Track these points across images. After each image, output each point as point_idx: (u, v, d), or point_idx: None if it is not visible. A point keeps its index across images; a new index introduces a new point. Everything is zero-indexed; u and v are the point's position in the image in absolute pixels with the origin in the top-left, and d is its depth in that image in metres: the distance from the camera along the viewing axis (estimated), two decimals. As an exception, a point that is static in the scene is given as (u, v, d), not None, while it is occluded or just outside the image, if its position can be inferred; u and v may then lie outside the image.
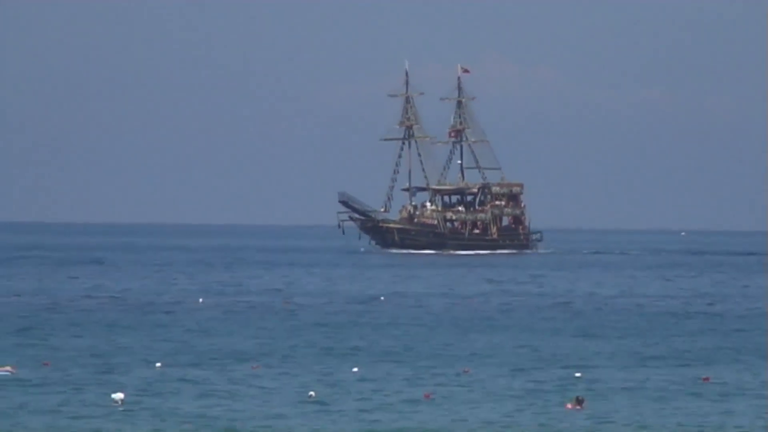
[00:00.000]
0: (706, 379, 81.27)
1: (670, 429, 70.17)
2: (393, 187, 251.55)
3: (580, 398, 71.95)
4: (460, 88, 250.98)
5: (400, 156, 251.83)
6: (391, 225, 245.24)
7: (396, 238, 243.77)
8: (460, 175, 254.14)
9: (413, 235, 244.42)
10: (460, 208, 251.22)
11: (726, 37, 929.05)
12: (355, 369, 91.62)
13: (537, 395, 76.26)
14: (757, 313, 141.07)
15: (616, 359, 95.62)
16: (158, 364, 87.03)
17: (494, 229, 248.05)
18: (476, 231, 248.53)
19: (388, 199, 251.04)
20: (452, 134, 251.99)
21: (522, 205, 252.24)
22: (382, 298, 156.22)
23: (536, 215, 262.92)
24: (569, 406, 70.53)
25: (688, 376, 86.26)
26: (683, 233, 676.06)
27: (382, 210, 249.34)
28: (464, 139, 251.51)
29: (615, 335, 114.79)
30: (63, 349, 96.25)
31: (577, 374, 78.78)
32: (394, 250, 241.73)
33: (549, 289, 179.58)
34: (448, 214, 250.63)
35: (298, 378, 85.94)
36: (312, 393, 75.78)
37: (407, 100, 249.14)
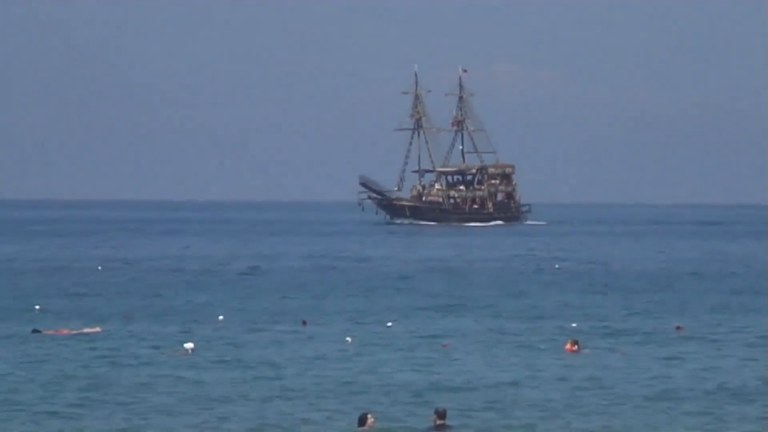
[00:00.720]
0: (679, 327, 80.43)
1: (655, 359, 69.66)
2: (404, 170, 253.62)
3: (576, 341, 70.84)
4: (461, 86, 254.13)
5: (410, 143, 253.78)
6: (404, 202, 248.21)
7: (407, 213, 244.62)
8: (461, 158, 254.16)
9: (422, 210, 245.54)
10: (461, 187, 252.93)
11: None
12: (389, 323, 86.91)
13: (536, 340, 74.86)
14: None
15: (604, 309, 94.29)
16: (221, 317, 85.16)
17: (490, 204, 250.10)
18: (475, 206, 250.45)
19: (401, 180, 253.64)
20: (454, 124, 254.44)
21: (513, 183, 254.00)
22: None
23: (528, 192, 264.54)
24: (568, 347, 69.44)
25: (664, 326, 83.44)
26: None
27: (396, 189, 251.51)
28: (464, 128, 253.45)
29: (598, 291, 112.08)
30: (148, 307, 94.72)
31: (573, 324, 77.55)
32: (407, 222, 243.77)
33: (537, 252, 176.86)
34: (451, 192, 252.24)
35: (344, 330, 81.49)
36: (349, 339, 73.66)
37: (416, 97, 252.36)
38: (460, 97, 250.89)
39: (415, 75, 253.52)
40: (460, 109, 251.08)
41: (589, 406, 53.29)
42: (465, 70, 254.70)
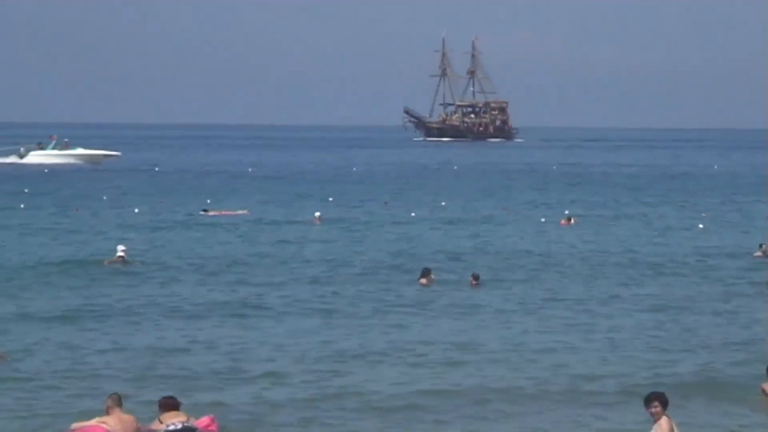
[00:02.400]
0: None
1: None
2: (434, 103, 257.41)
3: (570, 216, 69.73)
4: (473, 47, 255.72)
5: (438, 85, 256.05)
6: (434, 125, 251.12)
7: (436, 133, 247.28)
8: (472, 96, 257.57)
9: (445, 131, 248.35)
10: (472, 116, 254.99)
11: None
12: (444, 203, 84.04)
13: (537, 216, 72.68)
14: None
15: (586, 199, 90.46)
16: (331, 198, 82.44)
17: (491, 128, 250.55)
18: (481, 128, 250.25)
19: (431, 110, 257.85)
20: (468, 73, 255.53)
21: (507, 113, 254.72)
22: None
23: (519, 119, 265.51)
24: (563, 222, 67.89)
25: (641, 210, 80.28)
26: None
27: (428, 116, 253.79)
28: (475, 76, 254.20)
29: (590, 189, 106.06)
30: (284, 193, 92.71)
31: (566, 212, 73.44)
32: (434, 139, 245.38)
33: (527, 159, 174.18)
34: (465, 119, 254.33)
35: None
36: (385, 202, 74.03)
37: (443, 55, 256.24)
38: (472, 55, 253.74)
39: (443, 40, 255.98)
40: (473, 63, 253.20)
41: (580, 255, 52.69)
42: (476, 37, 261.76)
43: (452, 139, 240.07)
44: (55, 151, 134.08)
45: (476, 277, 42.29)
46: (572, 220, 68.33)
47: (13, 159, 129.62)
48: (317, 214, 71.67)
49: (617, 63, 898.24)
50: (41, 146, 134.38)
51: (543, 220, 69.92)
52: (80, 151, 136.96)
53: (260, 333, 33.48)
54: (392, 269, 47.22)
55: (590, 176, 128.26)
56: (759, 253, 50.45)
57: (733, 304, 39.01)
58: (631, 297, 40.15)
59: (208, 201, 79.83)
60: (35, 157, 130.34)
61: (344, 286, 41.97)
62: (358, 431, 24.02)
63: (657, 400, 20.80)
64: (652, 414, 20.72)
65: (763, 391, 25.39)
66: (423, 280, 42.16)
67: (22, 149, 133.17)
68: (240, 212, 74.36)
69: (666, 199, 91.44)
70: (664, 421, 20.50)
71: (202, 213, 73.66)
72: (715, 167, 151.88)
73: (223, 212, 74.22)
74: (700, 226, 67.05)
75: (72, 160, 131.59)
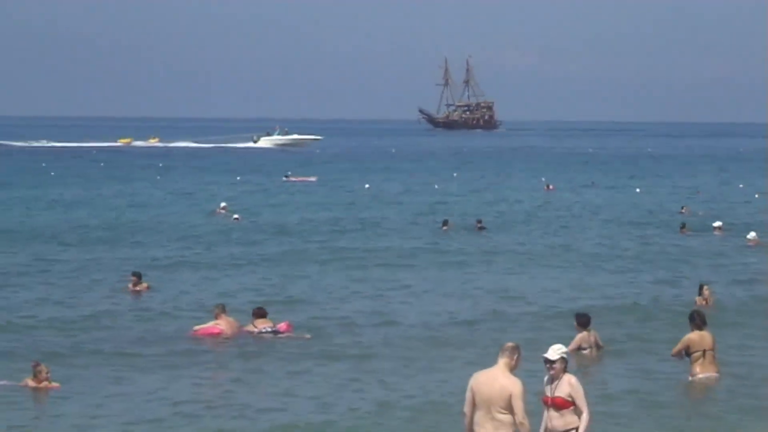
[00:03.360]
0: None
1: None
2: (440, 104, 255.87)
3: (548, 183, 68.83)
4: (467, 63, 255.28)
5: (443, 91, 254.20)
6: (440, 120, 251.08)
7: (441, 126, 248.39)
8: (467, 98, 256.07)
9: (448, 124, 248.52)
10: (467, 113, 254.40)
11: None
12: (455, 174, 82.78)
13: (530, 187, 69.88)
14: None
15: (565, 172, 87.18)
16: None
17: (481, 121, 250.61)
18: (473, 122, 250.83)
19: (438, 109, 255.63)
20: (464, 82, 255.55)
21: (493, 110, 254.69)
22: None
23: (502, 115, 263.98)
24: (546, 188, 66.82)
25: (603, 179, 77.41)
26: None
27: (436, 114, 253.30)
28: (469, 84, 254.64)
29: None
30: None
31: (543, 178, 73.84)
32: (441, 130, 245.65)
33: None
34: (463, 115, 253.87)
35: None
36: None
37: (446, 69, 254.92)
38: (467, 69, 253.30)
39: (446, 59, 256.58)
40: (466, 75, 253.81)
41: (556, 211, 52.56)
42: (470, 56, 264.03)
43: (453, 130, 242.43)
44: (278, 137, 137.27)
45: (479, 221, 43.42)
46: (551, 186, 67.68)
47: (248, 144, 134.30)
48: (309, 178, 71.60)
49: (578, 72, 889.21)
50: (268, 134, 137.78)
51: (531, 186, 69.08)
52: (295, 136, 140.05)
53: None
54: (425, 219, 48.03)
55: (559, 155, 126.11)
56: (683, 210, 50.21)
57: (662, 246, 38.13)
58: (584, 239, 40.28)
59: (289, 172, 77.80)
60: (264, 142, 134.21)
61: (392, 235, 41.99)
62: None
63: (576, 319, 20.52)
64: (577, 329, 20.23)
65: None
66: (444, 227, 43.15)
67: (254, 136, 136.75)
68: (310, 179, 73.98)
69: (618, 171, 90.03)
70: (583, 335, 20.10)
71: (285, 179, 72.82)
72: (649, 149, 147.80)
73: (300, 178, 73.79)
74: (637, 190, 66.77)
75: (288, 143, 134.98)
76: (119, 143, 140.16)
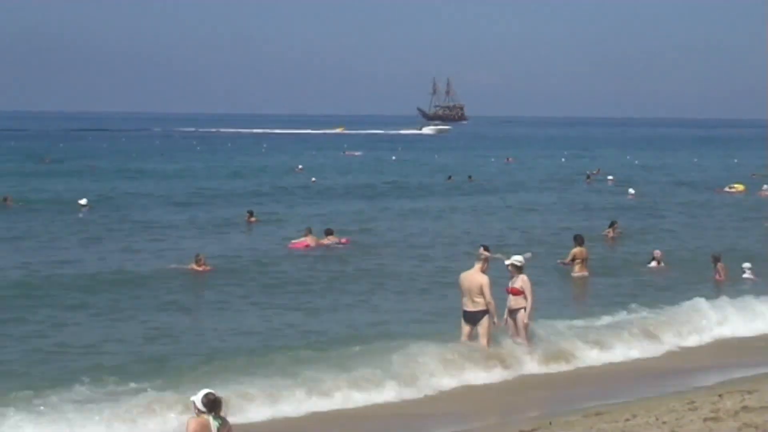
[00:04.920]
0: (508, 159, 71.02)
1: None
2: (430, 105, 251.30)
3: (508, 156, 66.11)
4: (448, 82, 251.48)
5: (432, 97, 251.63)
6: (430, 114, 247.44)
7: (433, 118, 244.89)
8: (448, 102, 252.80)
9: (435, 118, 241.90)
10: (448, 111, 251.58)
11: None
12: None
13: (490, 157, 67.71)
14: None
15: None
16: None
17: (456, 117, 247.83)
18: (451, 117, 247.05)
19: (428, 108, 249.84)
20: (445, 92, 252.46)
21: (464, 110, 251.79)
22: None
23: (474, 112, 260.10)
24: (506, 160, 64.09)
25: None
26: None
27: (428, 110, 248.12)
28: (448, 93, 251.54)
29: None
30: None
31: (508, 157, 68.63)
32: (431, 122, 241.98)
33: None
34: (444, 111, 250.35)
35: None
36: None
37: (433, 83, 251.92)
38: (448, 84, 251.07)
39: (433, 79, 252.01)
40: (447, 87, 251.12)
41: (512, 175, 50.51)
42: (450, 77, 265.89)
43: (439, 122, 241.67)
44: (433, 127, 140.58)
45: (469, 176, 44.28)
46: (510, 159, 65.03)
47: (414, 131, 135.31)
48: (356, 153, 67.88)
49: (529, 84, 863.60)
50: (426, 125, 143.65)
51: (493, 159, 65.67)
52: (441, 126, 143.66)
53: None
54: (435, 178, 46.80)
55: (517, 138, 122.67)
56: (596, 172, 46.26)
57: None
58: (539, 198, 37.16)
59: (345, 145, 74.69)
60: (426, 129, 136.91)
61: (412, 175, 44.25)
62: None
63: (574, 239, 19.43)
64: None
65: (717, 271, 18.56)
66: (450, 179, 43.71)
67: (419, 125, 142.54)
68: (357, 153, 69.53)
69: (559, 148, 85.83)
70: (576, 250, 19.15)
71: (342, 154, 69.58)
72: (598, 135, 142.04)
73: (351, 153, 70.63)
74: (563, 159, 65.22)
75: (438, 131, 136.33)
76: (336, 131, 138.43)
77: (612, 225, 24.59)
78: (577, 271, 19.08)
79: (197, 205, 32.61)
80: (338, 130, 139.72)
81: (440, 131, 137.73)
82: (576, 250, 19.09)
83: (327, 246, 22.19)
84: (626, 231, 25.01)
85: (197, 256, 18.76)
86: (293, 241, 22.54)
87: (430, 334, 12.52)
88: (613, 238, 24.00)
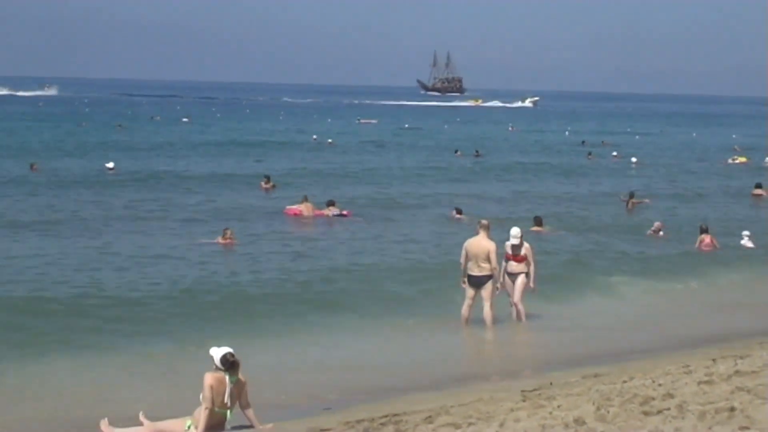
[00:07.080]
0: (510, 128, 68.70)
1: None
2: (429, 77, 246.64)
3: (511, 125, 66.37)
4: (448, 55, 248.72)
5: (432, 69, 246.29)
6: (430, 86, 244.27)
7: (431, 90, 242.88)
8: (447, 74, 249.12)
9: (434, 89, 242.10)
10: (447, 83, 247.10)
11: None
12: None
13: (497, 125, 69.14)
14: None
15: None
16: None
17: (454, 89, 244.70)
18: (450, 90, 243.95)
19: (428, 80, 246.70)
20: (445, 65, 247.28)
21: (462, 82, 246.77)
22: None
23: (473, 84, 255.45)
24: (510, 129, 65.27)
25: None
26: None
27: (427, 82, 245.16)
28: (448, 66, 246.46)
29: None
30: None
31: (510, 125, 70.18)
32: (430, 93, 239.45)
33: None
34: (444, 84, 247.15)
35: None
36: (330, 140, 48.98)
37: (434, 56, 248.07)
38: (447, 57, 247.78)
39: (434, 52, 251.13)
40: (447, 60, 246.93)
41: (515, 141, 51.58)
42: (449, 51, 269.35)
43: (437, 93, 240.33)
44: (531, 99, 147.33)
45: (477, 153, 42.70)
46: (512, 128, 66.33)
47: (519, 104, 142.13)
48: (372, 121, 68.11)
49: (514, 59, 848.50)
50: (526, 98, 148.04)
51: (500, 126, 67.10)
52: (536, 98, 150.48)
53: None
54: (439, 146, 47.35)
55: (513, 110, 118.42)
56: (615, 154, 43.48)
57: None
58: (531, 161, 39.78)
59: (359, 117, 73.90)
60: (527, 103, 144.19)
61: (410, 155, 41.75)
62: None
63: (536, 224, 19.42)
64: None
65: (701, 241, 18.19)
66: (459, 153, 42.60)
67: (522, 99, 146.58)
68: (372, 121, 70.73)
69: (549, 121, 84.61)
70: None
71: (357, 121, 69.08)
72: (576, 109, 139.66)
73: (368, 121, 70.17)
74: (566, 133, 63.17)
75: (533, 104, 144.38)
76: (472, 103, 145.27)
77: (631, 195, 24.95)
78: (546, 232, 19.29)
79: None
80: (476, 102, 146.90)
81: (535, 103, 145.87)
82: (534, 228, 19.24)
83: (327, 216, 21.41)
84: (643, 202, 25.35)
85: (225, 230, 18.47)
86: (289, 206, 22.00)
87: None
88: (631, 208, 24.31)
